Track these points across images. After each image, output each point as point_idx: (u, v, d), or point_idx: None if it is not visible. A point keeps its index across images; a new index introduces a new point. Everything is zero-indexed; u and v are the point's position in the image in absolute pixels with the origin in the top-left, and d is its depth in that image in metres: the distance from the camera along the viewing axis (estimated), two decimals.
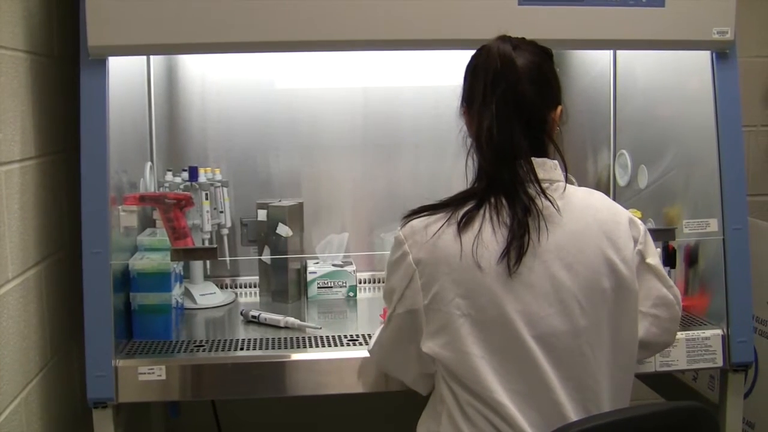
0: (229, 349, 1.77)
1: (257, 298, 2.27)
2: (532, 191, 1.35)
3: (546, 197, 1.35)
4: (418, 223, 1.36)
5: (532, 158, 1.37)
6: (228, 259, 2.29)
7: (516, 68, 1.37)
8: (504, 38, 1.40)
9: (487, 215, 1.33)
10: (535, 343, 1.32)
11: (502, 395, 1.31)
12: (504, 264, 1.31)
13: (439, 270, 1.33)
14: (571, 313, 1.34)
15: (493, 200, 1.34)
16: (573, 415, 1.34)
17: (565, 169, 1.43)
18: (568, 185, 1.42)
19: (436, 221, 1.35)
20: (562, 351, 1.34)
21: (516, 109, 1.36)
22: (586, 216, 1.39)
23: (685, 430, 1.30)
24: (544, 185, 1.36)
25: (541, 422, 1.32)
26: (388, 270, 1.42)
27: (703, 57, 1.89)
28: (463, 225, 1.33)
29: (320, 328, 1.86)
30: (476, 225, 1.33)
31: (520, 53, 1.39)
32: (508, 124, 1.35)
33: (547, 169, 1.39)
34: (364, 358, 1.65)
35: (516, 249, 1.31)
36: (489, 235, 1.32)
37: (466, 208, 1.34)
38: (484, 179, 1.37)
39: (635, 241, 1.43)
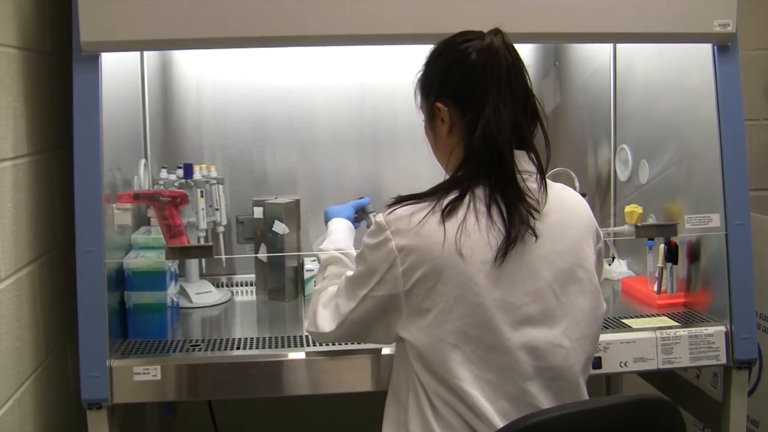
0: (226, 349, 1.77)
1: (254, 297, 2.27)
2: (520, 183, 1.38)
3: (530, 189, 1.39)
4: (402, 211, 1.38)
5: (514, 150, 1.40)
6: (224, 257, 2.29)
7: (520, 62, 1.41)
8: (497, 32, 1.41)
9: (471, 205, 1.36)
10: (512, 332, 1.35)
11: (469, 384, 1.34)
12: (487, 253, 1.33)
13: (421, 257, 1.35)
14: (547, 302, 1.37)
15: (477, 190, 1.37)
16: (545, 404, 1.37)
17: (547, 161, 1.46)
18: (547, 179, 1.45)
19: (420, 209, 1.37)
20: (540, 341, 1.36)
21: (518, 101, 1.39)
22: (564, 208, 1.44)
23: (646, 423, 1.31)
24: (524, 176, 1.39)
25: (511, 410, 1.35)
26: (365, 251, 1.43)
27: (704, 50, 1.89)
28: (447, 213, 1.35)
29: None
30: (460, 214, 1.35)
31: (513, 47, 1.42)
32: (511, 116, 1.38)
33: (526, 160, 1.42)
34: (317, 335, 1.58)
35: (505, 242, 1.33)
36: (472, 223, 1.34)
37: (450, 197, 1.37)
38: (470, 168, 1.39)
39: (598, 238, 1.50)
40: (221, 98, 2.36)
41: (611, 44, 2.41)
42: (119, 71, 2.01)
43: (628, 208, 2.10)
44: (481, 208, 1.35)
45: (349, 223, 1.88)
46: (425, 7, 1.73)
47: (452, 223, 1.34)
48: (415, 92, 1.53)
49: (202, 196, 2.15)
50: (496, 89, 1.37)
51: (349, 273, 1.50)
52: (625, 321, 1.91)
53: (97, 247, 1.67)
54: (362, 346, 1.71)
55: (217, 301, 2.19)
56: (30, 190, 1.75)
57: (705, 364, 1.86)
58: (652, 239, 2.11)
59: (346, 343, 1.72)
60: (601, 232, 1.52)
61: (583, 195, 1.72)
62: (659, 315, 1.96)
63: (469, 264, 1.33)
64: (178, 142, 2.36)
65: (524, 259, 1.35)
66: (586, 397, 1.44)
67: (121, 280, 1.82)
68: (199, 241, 2.14)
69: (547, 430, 1.26)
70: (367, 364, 1.73)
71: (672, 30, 1.82)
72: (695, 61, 1.94)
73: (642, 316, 1.95)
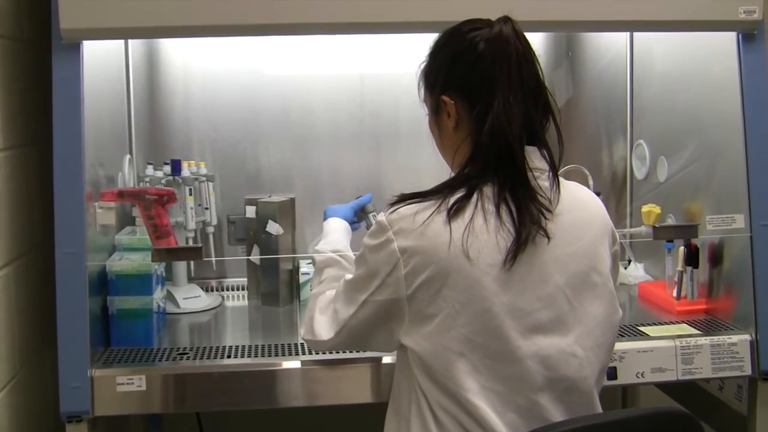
0: (215, 357, 1.76)
1: (246, 302, 2.26)
2: (531, 181, 1.37)
3: (541, 187, 1.38)
4: (406, 210, 1.38)
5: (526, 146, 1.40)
6: (214, 259, 2.29)
7: (531, 52, 1.41)
8: (507, 20, 1.41)
9: (479, 204, 1.35)
10: (521, 340, 1.34)
11: (476, 395, 1.33)
12: (495, 255, 1.32)
13: (425, 259, 1.34)
14: (559, 308, 1.36)
15: (485, 188, 1.36)
16: (556, 417, 1.36)
17: (560, 157, 1.45)
18: (560, 177, 1.44)
19: (425, 208, 1.36)
20: (551, 350, 1.36)
21: (529, 94, 1.39)
22: (578, 208, 1.43)
23: None
24: (535, 173, 1.39)
25: (520, 423, 1.34)
26: (365, 252, 1.43)
27: (728, 39, 1.88)
28: (453, 213, 1.34)
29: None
30: (467, 213, 1.34)
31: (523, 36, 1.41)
32: (521, 110, 1.37)
33: (537, 157, 1.41)
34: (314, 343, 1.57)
35: (514, 243, 1.33)
36: (480, 224, 1.33)
37: (456, 196, 1.36)
38: (478, 165, 1.38)
39: (614, 240, 1.50)
40: (211, 89, 2.35)
41: (627, 33, 2.41)
42: (102, 60, 2.00)
43: (645, 208, 2.10)
44: (490, 207, 1.34)
45: (346, 223, 1.88)
46: None
47: (459, 224, 1.33)
48: (419, 84, 1.52)
49: (190, 194, 2.15)
50: (506, 81, 1.36)
51: (348, 276, 1.49)
52: (642, 328, 1.90)
53: (78, 248, 1.67)
54: (361, 354, 1.70)
55: (207, 306, 2.18)
56: (6, 188, 1.74)
57: (728, 375, 1.86)
58: (671, 241, 2.10)
59: (345, 352, 1.72)
60: (617, 234, 1.51)
61: (598, 194, 1.72)
62: (679, 322, 1.96)
63: (477, 267, 1.32)
64: (165, 136, 2.35)
65: (535, 262, 1.35)
66: (600, 409, 1.43)
67: (103, 283, 1.82)
68: (187, 242, 2.14)
69: None
70: (367, 374, 1.72)
71: (693, 17, 1.81)
72: (718, 50, 1.93)
73: (660, 324, 1.95)
